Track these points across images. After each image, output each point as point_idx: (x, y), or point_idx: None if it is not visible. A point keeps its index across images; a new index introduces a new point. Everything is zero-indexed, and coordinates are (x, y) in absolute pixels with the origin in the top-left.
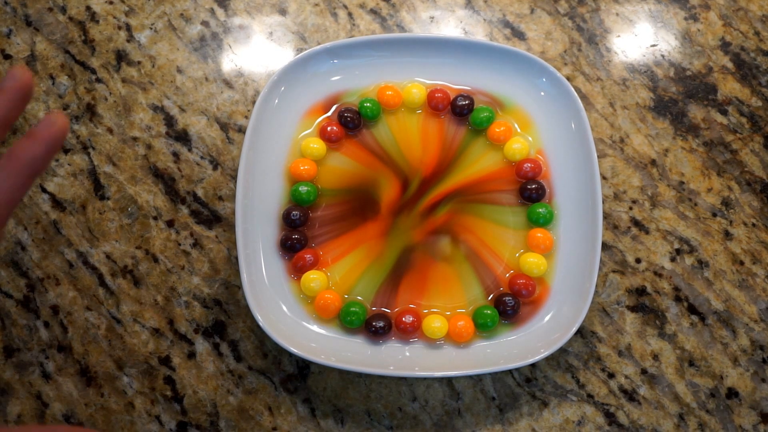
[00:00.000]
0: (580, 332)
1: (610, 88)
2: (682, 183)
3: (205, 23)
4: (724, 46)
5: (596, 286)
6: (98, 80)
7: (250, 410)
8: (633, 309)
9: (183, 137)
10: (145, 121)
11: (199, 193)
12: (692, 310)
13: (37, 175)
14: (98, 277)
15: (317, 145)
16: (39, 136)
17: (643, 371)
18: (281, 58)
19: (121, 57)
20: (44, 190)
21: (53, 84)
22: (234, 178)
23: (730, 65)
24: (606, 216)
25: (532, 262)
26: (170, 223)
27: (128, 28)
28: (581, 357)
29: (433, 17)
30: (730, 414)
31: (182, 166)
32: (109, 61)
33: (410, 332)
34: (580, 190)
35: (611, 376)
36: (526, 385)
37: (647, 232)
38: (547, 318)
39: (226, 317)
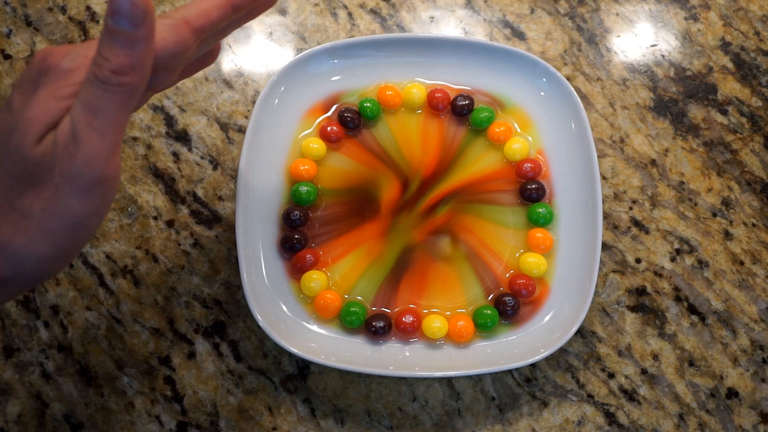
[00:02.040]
0: (580, 332)
1: (610, 88)
2: (682, 183)
3: None
4: (724, 46)
5: (596, 286)
6: None
7: (250, 410)
8: (633, 309)
9: (183, 137)
10: (145, 121)
11: (199, 193)
12: (692, 310)
13: (202, 28)
14: (98, 277)
15: (317, 145)
16: None
17: (643, 371)
18: (281, 58)
19: None
20: None
21: None
22: (234, 178)
23: (730, 65)
24: (606, 216)
25: (532, 262)
26: (170, 223)
27: None
28: (581, 357)
29: (433, 17)
30: (730, 414)
31: (182, 166)
32: None
33: (410, 332)
34: (580, 190)
35: (611, 376)
36: (526, 385)
37: (647, 232)
38: (547, 318)
39: (226, 317)
